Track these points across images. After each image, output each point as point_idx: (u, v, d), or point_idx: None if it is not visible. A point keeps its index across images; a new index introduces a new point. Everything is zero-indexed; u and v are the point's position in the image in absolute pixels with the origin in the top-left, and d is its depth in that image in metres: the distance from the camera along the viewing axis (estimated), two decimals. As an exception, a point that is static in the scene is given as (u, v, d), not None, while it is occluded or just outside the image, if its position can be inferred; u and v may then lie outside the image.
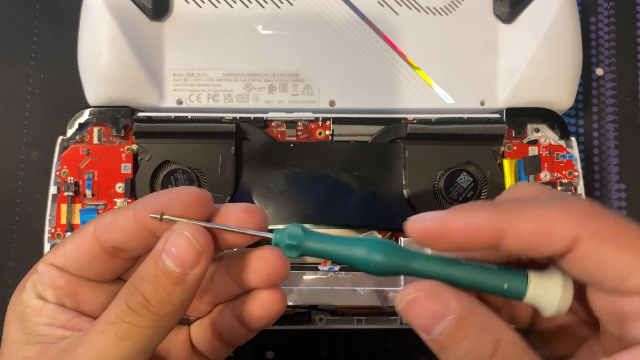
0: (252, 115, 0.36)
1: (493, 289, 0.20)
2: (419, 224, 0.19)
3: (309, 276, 0.34)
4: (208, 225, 0.21)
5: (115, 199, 0.35)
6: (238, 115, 0.36)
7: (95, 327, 0.20)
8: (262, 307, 0.23)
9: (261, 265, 0.23)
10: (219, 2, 0.38)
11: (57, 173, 0.35)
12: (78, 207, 0.35)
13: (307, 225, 0.22)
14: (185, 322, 0.25)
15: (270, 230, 0.22)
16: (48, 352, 0.21)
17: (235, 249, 0.24)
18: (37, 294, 0.23)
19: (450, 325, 0.18)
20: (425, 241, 0.19)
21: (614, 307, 0.19)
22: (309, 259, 0.35)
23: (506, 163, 0.36)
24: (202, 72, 0.37)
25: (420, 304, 0.19)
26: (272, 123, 0.37)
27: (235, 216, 0.22)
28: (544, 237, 0.18)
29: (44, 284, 0.23)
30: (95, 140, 0.36)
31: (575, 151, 0.36)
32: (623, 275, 0.18)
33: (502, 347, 0.18)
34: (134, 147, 0.36)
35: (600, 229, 0.18)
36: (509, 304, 0.23)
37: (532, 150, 0.37)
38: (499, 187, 0.36)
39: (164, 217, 0.21)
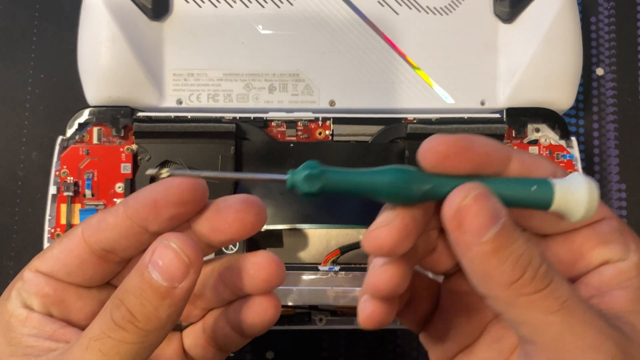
0: (252, 115, 0.36)
1: (522, 195, 0.19)
2: (441, 139, 0.19)
3: (309, 276, 0.34)
4: (214, 174, 0.21)
5: (114, 199, 0.35)
6: (238, 115, 0.36)
7: (79, 342, 0.20)
8: (256, 314, 0.23)
9: (255, 271, 0.22)
10: (219, 2, 0.38)
11: (57, 173, 0.35)
12: (78, 207, 0.35)
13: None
14: (178, 327, 0.25)
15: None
16: None
17: (229, 253, 0.23)
18: (22, 303, 0.22)
19: (504, 226, 0.18)
20: (448, 159, 0.19)
21: (572, 240, 0.21)
22: (309, 259, 0.35)
23: (506, 163, 0.36)
24: (202, 72, 0.37)
25: (478, 204, 0.18)
26: (272, 123, 0.37)
27: (234, 207, 0.21)
28: (539, 166, 0.20)
29: (29, 292, 0.22)
30: (95, 140, 0.36)
31: (575, 151, 0.36)
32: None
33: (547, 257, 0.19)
34: (134, 147, 0.36)
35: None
36: None
37: (533, 150, 0.37)
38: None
39: (162, 174, 0.20)
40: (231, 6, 0.38)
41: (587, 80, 0.42)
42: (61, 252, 0.22)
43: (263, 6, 0.38)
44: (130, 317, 0.19)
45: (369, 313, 0.21)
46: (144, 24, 0.37)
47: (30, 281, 0.22)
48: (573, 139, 0.37)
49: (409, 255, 0.20)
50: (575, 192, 0.19)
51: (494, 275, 0.18)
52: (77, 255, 0.22)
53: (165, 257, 0.19)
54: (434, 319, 0.24)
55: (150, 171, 0.20)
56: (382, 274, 0.20)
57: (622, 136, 0.42)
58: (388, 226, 0.19)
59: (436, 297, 0.24)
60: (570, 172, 0.20)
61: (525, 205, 0.19)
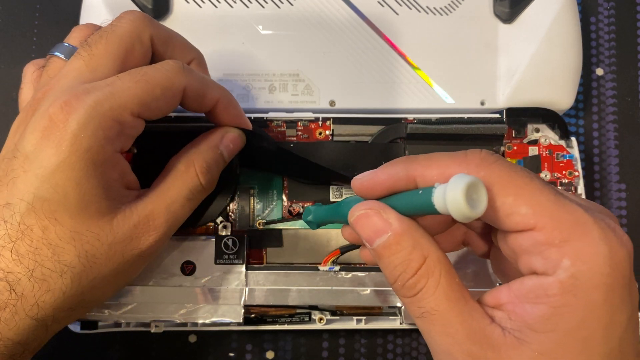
0: (252, 115, 0.36)
1: (413, 204, 0.22)
2: (358, 180, 0.24)
3: (309, 276, 0.34)
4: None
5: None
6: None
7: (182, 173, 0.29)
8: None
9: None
10: (219, 2, 0.38)
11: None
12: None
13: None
14: None
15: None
16: (124, 212, 0.26)
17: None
18: (119, 147, 0.27)
19: (388, 240, 0.22)
20: (363, 191, 0.24)
21: (507, 244, 0.22)
22: (309, 259, 0.35)
23: (506, 163, 0.36)
24: (202, 72, 0.37)
25: (368, 219, 0.23)
26: (272, 123, 0.37)
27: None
28: (442, 181, 0.21)
29: (130, 136, 0.27)
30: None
31: (575, 151, 0.36)
32: (506, 214, 0.21)
33: (427, 262, 0.22)
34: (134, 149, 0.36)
35: (490, 174, 0.21)
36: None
37: (532, 150, 0.37)
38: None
39: None
40: (231, 6, 0.38)
41: (587, 81, 0.42)
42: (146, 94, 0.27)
43: (263, 6, 0.38)
44: (210, 176, 0.30)
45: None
46: (144, 24, 0.37)
47: (133, 127, 0.27)
48: (573, 139, 0.37)
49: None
50: (451, 193, 0.20)
51: (383, 271, 0.23)
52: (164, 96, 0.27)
53: (234, 140, 0.31)
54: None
55: None
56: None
57: (622, 136, 0.42)
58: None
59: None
60: (460, 175, 0.20)
61: (419, 212, 0.22)
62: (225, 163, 0.31)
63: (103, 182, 0.26)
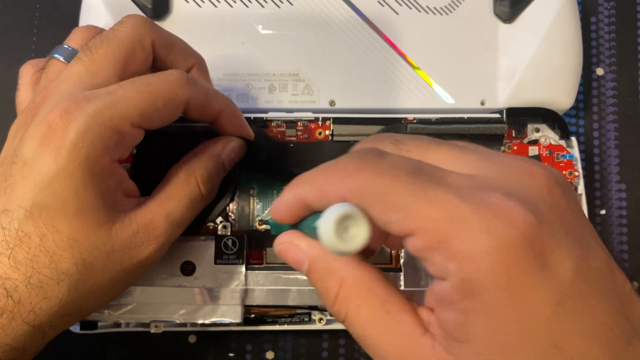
0: (252, 115, 0.36)
1: (311, 234, 0.22)
2: (271, 211, 0.24)
3: (309, 276, 0.34)
4: None
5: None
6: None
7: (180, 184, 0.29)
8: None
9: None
10: (219, 1, 0.38)
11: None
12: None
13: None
14: None
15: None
16: (122, 221, 0.26)
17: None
18: (116, 157, 0.26)
19: (307, 269, 0.22)
20: (279, 221, 0.23)
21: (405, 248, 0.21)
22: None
23: (506, 163, 0.36)
24: (202, 72, 0.37)
25: (286, 253, 0.23)
26: (272, 123, 0.36)
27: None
28: (325, 201, 0.21)
29: (128, 145, 0.27)
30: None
31: (575, 151, 0.36)
32: (383, 224, 0.19)
33: (344, 286, 0.21)
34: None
35: (359, 185, 0.20)
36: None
37: (533, 150, 0.37)
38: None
39: None
40: (231, 6, 0.38)
41: (587, 80, 0.42)
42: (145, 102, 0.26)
43: (263, 6, 0.38)
44: (211, 185, 0.30)
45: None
46: (144, 24, 0.37)
47: (133, 137, 0.27)
48: (573, 139, 0.37)
49: None
50: (322, 231, 0.19)
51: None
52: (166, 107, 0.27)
53: (235, 149, 0.31)
54: None
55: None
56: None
57: (622, 136, 0.42)
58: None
59: None
60: (332, 209, 0.19)
61: (316, 236, 0.21)
62: (226, 172, 0.31)
63: (101, 190, 0.25)
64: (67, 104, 0.25)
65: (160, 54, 0.29)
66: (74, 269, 0.25)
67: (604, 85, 0.42)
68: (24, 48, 0.42)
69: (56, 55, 0.29)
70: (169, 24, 0.37)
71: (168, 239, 0.28)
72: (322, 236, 0.19)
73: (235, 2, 0.38)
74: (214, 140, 0.31)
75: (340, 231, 0.18)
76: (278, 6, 0.38)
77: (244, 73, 0.37)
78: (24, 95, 0.30)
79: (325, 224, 0.18)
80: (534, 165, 0.20)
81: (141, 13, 0.37)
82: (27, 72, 0.31)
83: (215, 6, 0.38)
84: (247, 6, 0.38)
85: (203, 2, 0.38)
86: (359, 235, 0.19)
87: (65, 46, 0.30)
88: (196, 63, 0.31)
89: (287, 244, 0.23)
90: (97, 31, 0.30)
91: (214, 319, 0.33)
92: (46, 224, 0.24)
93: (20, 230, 0.24)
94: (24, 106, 0.29)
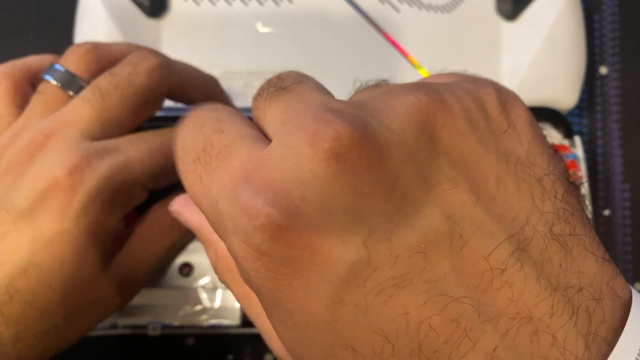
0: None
1: None
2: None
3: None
4: None
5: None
6: (237, 115, 0.36)
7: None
8: None
9: None
10: (217, 0, 0.37)
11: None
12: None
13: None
14: None
15: None
16: (111, 271, 0.26)
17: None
18: (122, 215, 0.26)
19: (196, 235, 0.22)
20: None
21: None
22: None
23: (509, 163, 0.36)
24: (201, 71, 0.37)
25: (179, 218, 0.23)
26: (272, 122, 0.36)
27: None
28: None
29: (133, 205, 0.26)
30: (92, 140, 0.36)
31: (579, 150, 0.36)
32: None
33: (219, 259, 0.21)
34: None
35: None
36: None
37: (536, 150, 0.36)
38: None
39: None
40: (230, 4, 0.37)
41: (590, 79, 0.42)
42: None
43: (262, 4, 0.37)
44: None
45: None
46: (142, 22, 0.37)
47: (141, 196, 0.26)
48: (576, 138, 0.36)
49: None
50: None
51: None
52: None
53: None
54: None
55: None
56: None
57: (626, 135, 0.41)
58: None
59: None
60: None
61: None
62: None
63: (102, 250, 0.25)
64: (77, 160, 0.23)
65: (174, 94, 0.28)
66: (63, 322, 0.25)
67: (608, 84, 0.42)
68: (22, 46, 0.42)
69: (49, 78, 0.26)
70: (166, 23, 0.37)
71: (149, 279, 0.29)
72: None
73: (234, 0, 0.37)
74: None
75: None
76: (277, 4, 0.37)
77: (243, 72, 0.37)
78: (2, 109, 0.26)
79: None
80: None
81: (139, 11, 0.37)
82: (4, 82, 0.27)
83: (214, 4, 0.37)
84: (245, 4, 0.37)
85: (202, 0, 0.37)
86: None
87: (60, 68, 0.26)
88: (211, 94, 0.30)
89: (175, 213, 0.23)
90: (99, 56, 0.27)
91: (212, 322, 0.33)
92: (41, 282, 0.23)
93: (10, 286, 0.23)
94: (2, 122, 0.26)
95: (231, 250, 0.16)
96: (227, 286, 0.21)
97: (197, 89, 0.29)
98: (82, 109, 0.25)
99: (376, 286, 0.14)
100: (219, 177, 0.16)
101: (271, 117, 0.17)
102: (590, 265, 0.15)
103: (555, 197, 0.16)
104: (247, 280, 0.16)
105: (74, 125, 0.24)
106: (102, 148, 0.24)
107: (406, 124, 0.15)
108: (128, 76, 0.26)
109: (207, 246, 0.22)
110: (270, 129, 0.17)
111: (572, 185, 0.17)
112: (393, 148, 0.15)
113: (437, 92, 0.16)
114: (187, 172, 0.17)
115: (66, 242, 0.23)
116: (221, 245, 0.20)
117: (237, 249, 0.15)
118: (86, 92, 0.25)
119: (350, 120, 0.15)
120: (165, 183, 0.27)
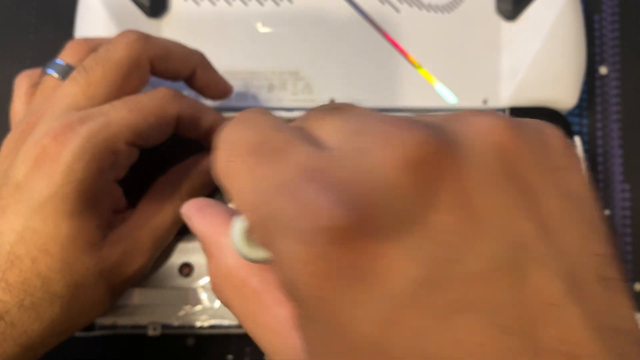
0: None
1: None
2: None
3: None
4: None
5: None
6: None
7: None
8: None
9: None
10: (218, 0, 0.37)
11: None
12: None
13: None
14: None
15: None
16: (112, 240, 0.27)
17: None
18: (114, 178, 0.27)
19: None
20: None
21: None
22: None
23: (509, 163, 0.36)
24: (201, 71, 0.37)
25: (188, 223, 0.21)
26: (272, 122, 0.36)
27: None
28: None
29: (123, 165, 0.27)
30: (92, 140, 0.36)
31: (579, 151, 0.36)
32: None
33: (221, 272, 0.19)
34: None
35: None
36: None
37: (536, 150, 0.36)
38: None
39: None
40: (230, 4, 0.37)
41: (590, 79, 0.42)
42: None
43: (262, 4, 0.37)
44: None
45: None
46: (142, 22, 0.37)
47: (129, 156, 0.27)
48: (576, 138, 0.36)
49: None
50: (234, 240, 0.17)
51: None
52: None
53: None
54: None
55: None
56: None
57: (626, 136, 0.41)
58: None
59: None
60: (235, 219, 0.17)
61: None
62: (212, 188, 0.31)
63: (95, 213, 0.25)
64: (61, 126, 0.25)
65: (158, 67, 0.29)
66: (66, 291, 0.25)
67: (608, 84, 0.42)
68: (22, 47, 0.42)
69: (50, 72, 0.29)
70: (166, 23, 0.37)
71: (153, 254, 0.29)
72: (237, 249, 0.17)
73: (234, 0, 0.37)
74: (203, 156, 0.31)
75: (249, 240, 0.17)
76: (277, 4, 0.37)
77: (243, 71, 0.37)
78: (18, 107, 0.30)
79: (234, 235, 0.17)
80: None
81: (139, 11, 0.37)
82: (22, 84, 0.31)
83: (214, 4, 0.37)
84: (245, 4, 0.37)
85: (202, 0, 0.37)
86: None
87: (59, 61, 0.29)
88: (197, 65, 0.31)
89: (186, 217, 0.21)
90: (92, 45, 0.30)
91: (212, 322, 0.33)
92: (38, 247, 0.24)
93: (11, 253, 0.24)
94: (18, 118, 0.29)
95: (279, 252, 0.14)
96: (227, 304, 0.19)
97: (180, 62, 0.30)
98: (69, 87, 0.27)
99: (436, 308, 0.13)
100: (276, 172, 0.14)
101: (332, 128, 0.16)
102: (628, 309, 0.15)
103: (601, 238, 0.16)
104: (291, 287, 0.14)
105: (61, 101, 0.26)
106: (85, 114, 0.25)
107: (486, 144, 0.15)
108: (107, 51, 0.27)
109: (209, 258, 0.19)
110: (333, 138, 0.15)
111: (609, 228, 0.17)
112: (471, 166, 0.14)
113: (511, 119, 0.16)
114: (234, 166, 0.16)
115: (57, 203, 0.24)
116: (224, 261, 0.18)
117: (289, 250, 0.13)
118: (73, 73, 0.27)
119: (433, 130, 0.14)
120: (153, 140, 0.28)
